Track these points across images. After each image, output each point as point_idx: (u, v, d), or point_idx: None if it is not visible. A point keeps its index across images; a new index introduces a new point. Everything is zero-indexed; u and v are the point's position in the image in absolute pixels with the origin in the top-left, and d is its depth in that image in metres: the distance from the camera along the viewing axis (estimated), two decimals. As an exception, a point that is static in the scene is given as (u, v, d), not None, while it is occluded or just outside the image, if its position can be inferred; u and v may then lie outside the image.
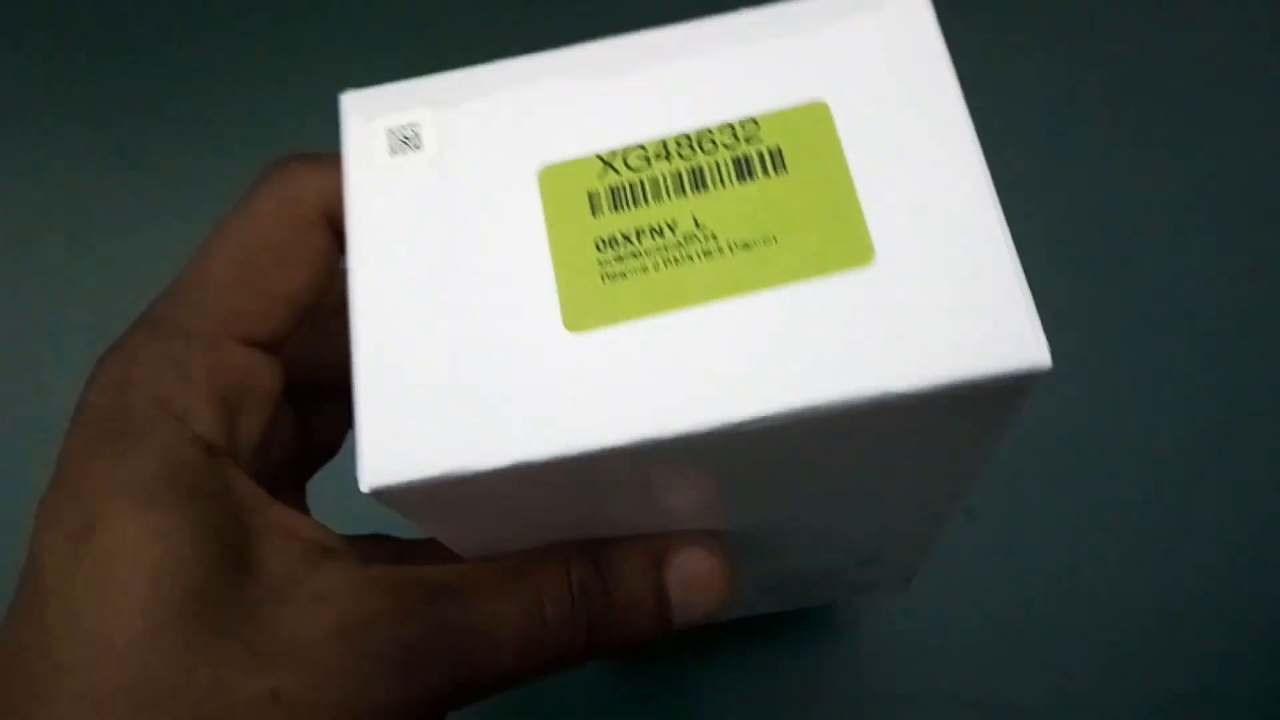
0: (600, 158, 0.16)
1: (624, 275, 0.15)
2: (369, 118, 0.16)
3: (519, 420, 0.14)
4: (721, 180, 0.15)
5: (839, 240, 0.15)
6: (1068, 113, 0.39)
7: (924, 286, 0.14)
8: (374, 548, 0.20)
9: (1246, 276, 0.37)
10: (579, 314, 0.15)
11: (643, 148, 0.16)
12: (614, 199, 0.15)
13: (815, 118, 0.15)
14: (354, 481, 0.14)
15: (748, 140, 0.15)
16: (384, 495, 0.14)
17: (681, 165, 0.15)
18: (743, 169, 0.15)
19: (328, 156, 0.18)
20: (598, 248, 0.15)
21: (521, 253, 0.15)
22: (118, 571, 0.15)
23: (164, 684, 0.15)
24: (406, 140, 0.16)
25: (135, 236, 0.38)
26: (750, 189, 0.15)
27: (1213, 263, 0.37)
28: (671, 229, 0.15)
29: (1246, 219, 0.38)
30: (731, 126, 0.16)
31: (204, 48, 0.40)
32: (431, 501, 0.15)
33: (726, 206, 0.15)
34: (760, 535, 0.19)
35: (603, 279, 0.15)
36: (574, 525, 0.17)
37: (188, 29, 0.40)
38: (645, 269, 0.15)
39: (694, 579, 0.18)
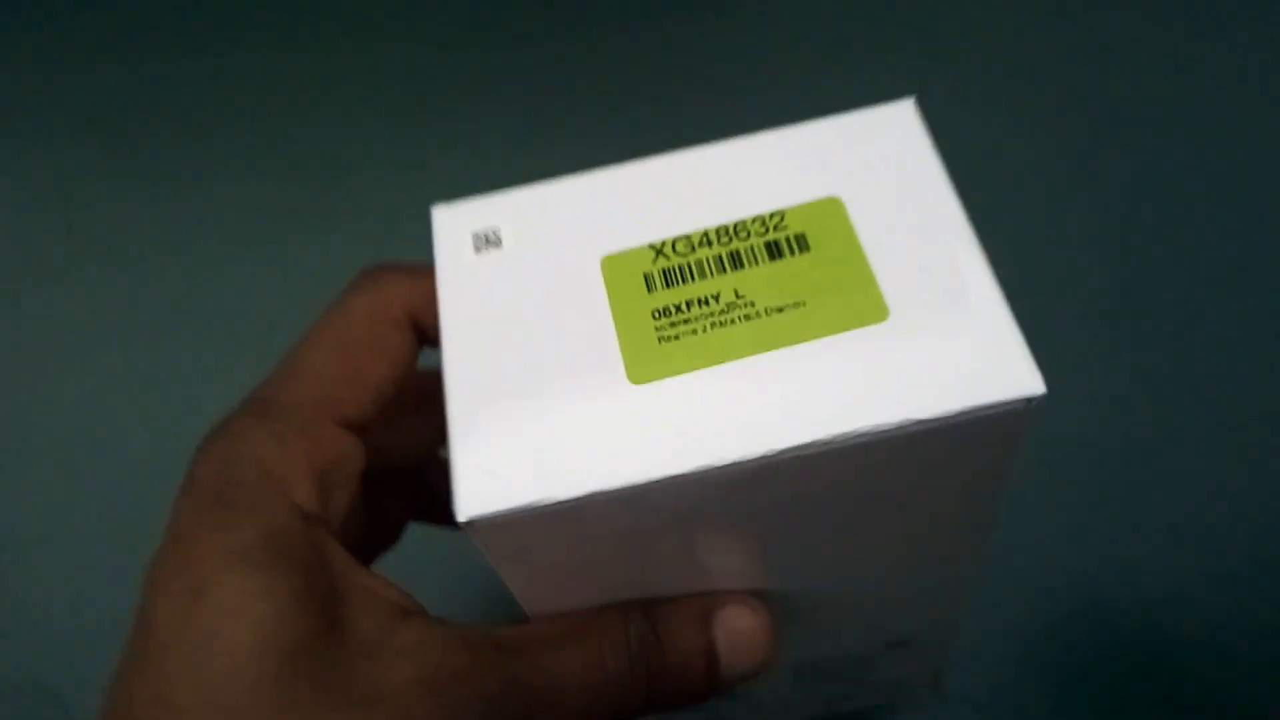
0: (652, 246, 0.19)
1: (677, 338, 0.18)
2: (457, 223, 0.20)
3: (592, 458, 0.16)
4: (755, 260, 0.18)
5: (858, 303, 0.17)
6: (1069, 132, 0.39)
7: (933, 336, 0.17)
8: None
9: (1249, 279, 0.37)
10: (641, 370, 0.17)
11: (688, 237, 0.19)
12: (666, 278, 0.18)
13: (831, 209, 0.19)
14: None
15: (776, 228, 0.19)
16: (476, 525, 0.16)
17: (721, 250, 0.19)
18: (773, 250, 0.18)
19: (412, 266, 0.21)
20: (654, 316, 0.18)
21: (589, 324, 0.18)
22: (227, 626, 0.17)
23: None
24: (488, 240, 0.19)
25: (135, 236, 0.38)
26: (780, 266, 0.18)
27: (1215, 264, 0.37)
28: (715, 299, 0.18)
29: (1245, 219, 0.38)
30: (762, 218, 0.19)
31: (204, 49, 0.40)
32: (515, 536, 0.17)
33: (761, 280, 0.18)
34: (796, 605, 0.21)
35: (659, 341, 0.18)
36: (631, 581, 0.19)
37: (189, 31, 0.40)
38: (695, 332, 0.18)
39: (739, 635, 0.20)
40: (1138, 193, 0.39)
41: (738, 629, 0.20)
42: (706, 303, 0.18)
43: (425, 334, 0.21)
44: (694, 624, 0.20)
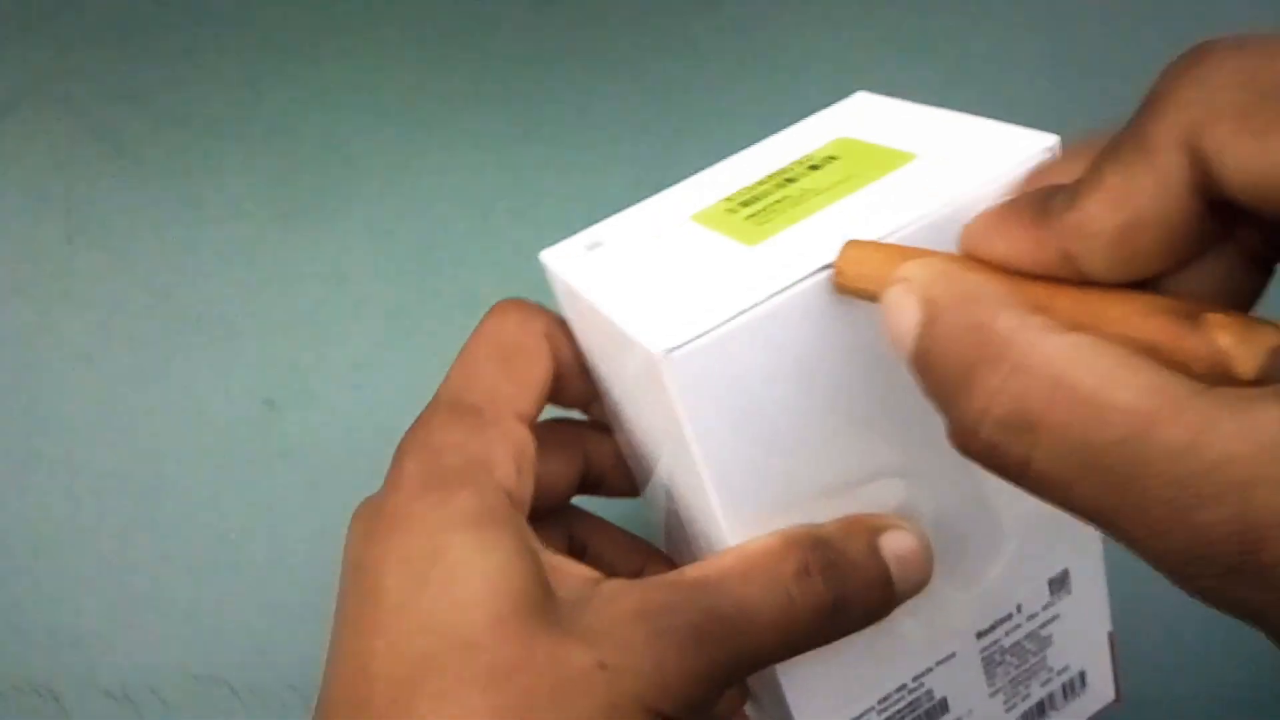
0: (726, 198, 0.24)
1: (769, 219, 0.22)
2: (562, 250, 0.24)
3: (743, 287, 0.20)
4: (804, 175, 0.23)
5: (891, 159, 0.22)
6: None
7: (954, 155, 0.21)
8: None
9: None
10: (748, 236, 0.21)
11: (748, 186, 0.24)
12: (744, 204, 0.23)
13: (848, 142, 0.24)
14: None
15: (810, 160, 0.24)
16: (674, 357, 0.19)
17: (777, 179, 0.24)
18: (814, 168, 0.24)
19: (537, 310, 0.25)
20: (745, 218, 0.22)
21: (700, 242, 0.22)
22: (460, 578, 0.20)
23: (512, 661, 0.19)
24: (595, 245, 0.24)
25: (135, 236, 0.38)
26: (823, 172, 0.23)
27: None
28: (785, 197, 0.23)
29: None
30: (797, 161, 0.24)
31: (205, 47, 0.40)
32: (704, 368, 0.20)
33: (813, 181, 0.23)
34: (948, 528, 0.23)
35: (756, 224, 0.22)
36: (804, 470, 0.22)
37: (188, 28, 0.40)
38: (779, 212, 0.22)
39: (905, 554, 0.22)
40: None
41: (903, 549, 0.22)
42: (779, 200, 0.22)
43: (555, 352, 0.24)
44: (866, 550, 0.22)
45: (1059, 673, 0.28)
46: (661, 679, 0.20)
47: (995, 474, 0.16)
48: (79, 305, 0.37)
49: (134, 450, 0.36)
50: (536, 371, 0.24)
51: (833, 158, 0.23)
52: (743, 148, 0.27)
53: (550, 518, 0.27)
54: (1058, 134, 0.21)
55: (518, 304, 0.24)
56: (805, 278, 0.20)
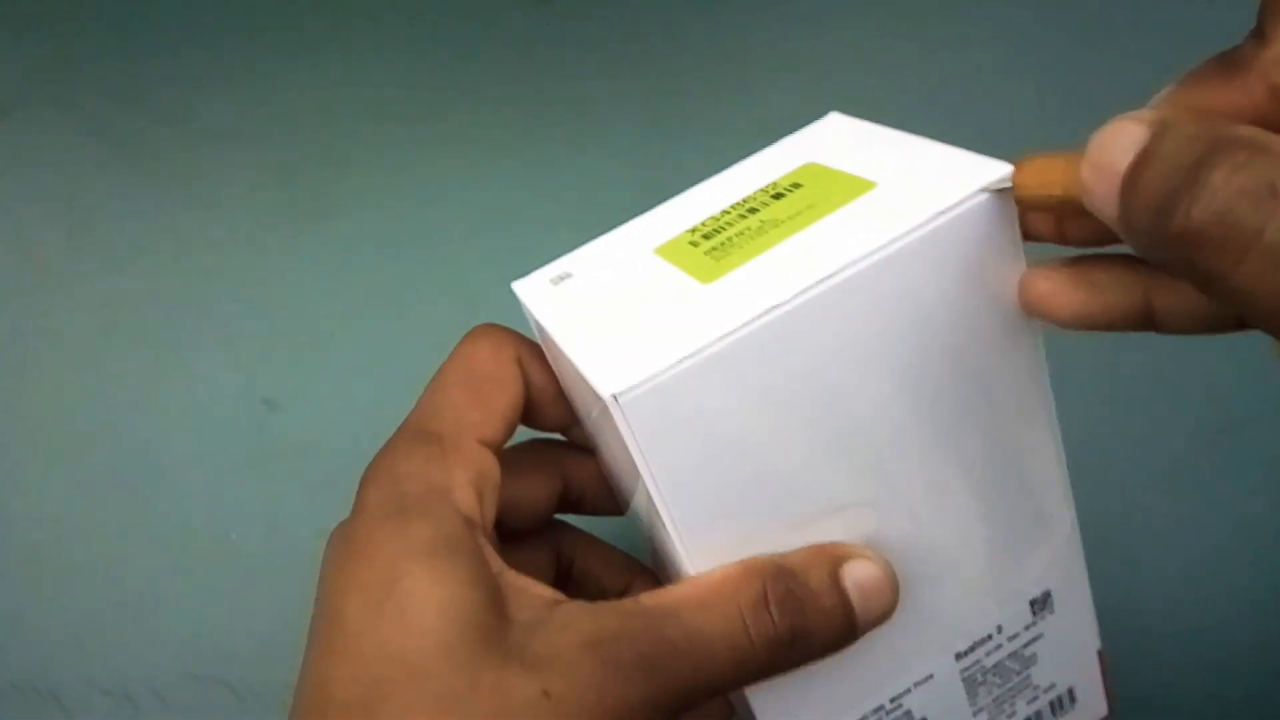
0: (689, 230, 0.24)
1: (726, 253, 0.22)
2: (533, 281, 0.25)
3: (694, 326, 0.20)
4: (767, 204, 0.24)
5: (851, 187, 0.23)
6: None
7: (912, 185, 0.22)
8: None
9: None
10: (704, 274, 0.22)
11: (713, 216, 0.24)
12: (705, 235, 0.23)
13: (812, 168, 0.25)
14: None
15: (774, 188, 0.24)
16: (621, 400, 0.20)
17: (740, 209, 0.24)
18: (778, 195, 0.24)
19: (510, 336, 0.25)
20: (704, 253, 0.23)
21: (659, 275, 0.23)
22: (414, 607, 0.20)
23: (459, 689, 0.20)
24: (562, 278, 0.24)
25: (135, 236, 0.38)
26: (786, 201, 0.23)
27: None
28: (746, 229, 0.23)
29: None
30: (762, 189, 0.25)
31: (205, 47, 0.40)
32: (656, 409, 0.20)
33: (775, 210, 0.23)
34: (917, 550, 0.24)
35: (714, 259, 0.22)
36: (763, 502, 0.22)
37: (188, 28, 0.40)
38: (737, 246, 0.22)
39: (867, 583, 0.22)
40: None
41: (865, 577, 0.22)
42: (740, 233, 0.23)
43: (528, 379, 0.25)
44: (826, 580, 0.22)
45: (1045, 690, 0.28)
46: (606, 708, 0.20)
47: (1202, 269, 0.16)
48: (79, 305, 0.37)
49: (134, 450, 0.36)
50: (505, 398, 0.24)
51: (797, 184, 0.24)
52: (741, 151, 0.27)
53: (536, 535, 0.27)
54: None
55: (491, 330, 0.25)
56: (756, 318, 0.20)
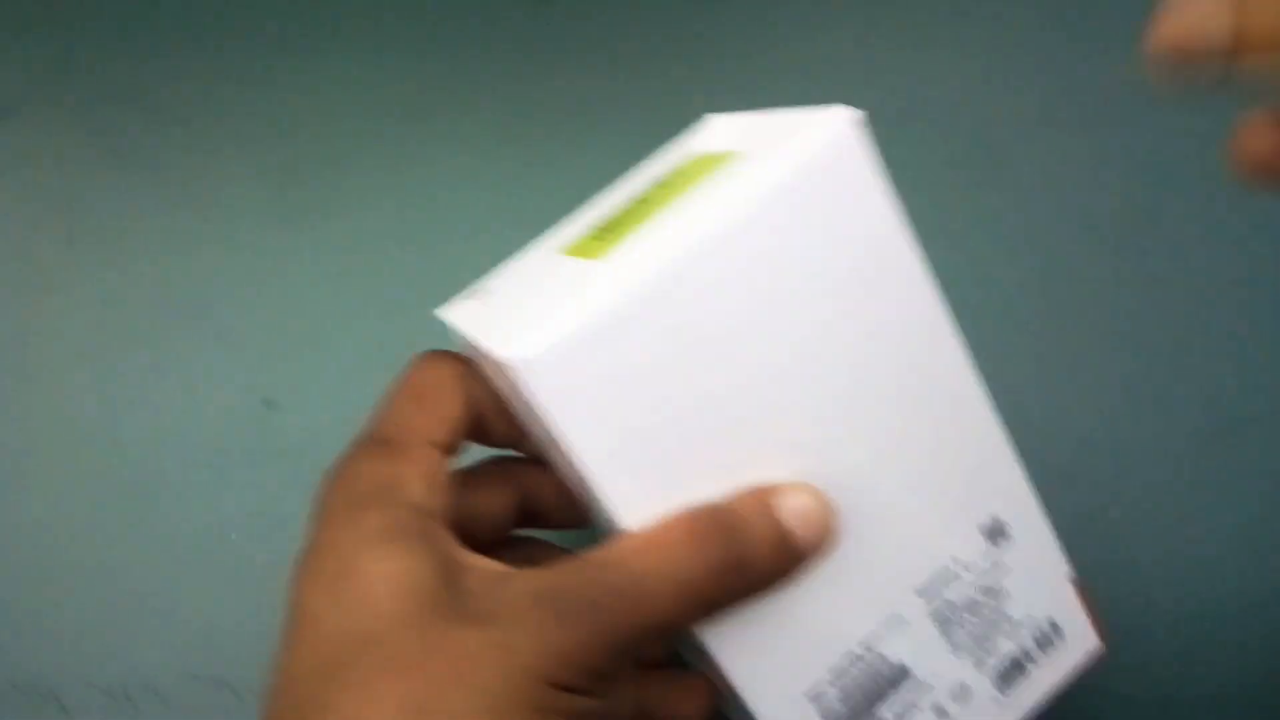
0: (590, 228, 0.26)
1: (614, 234, 0.24)
2: (458, 299, 0.27)
3: (590, 296, 0.22)
4: (653, 192, 0.25)
5: (721, 160, 0.24)
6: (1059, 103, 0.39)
7: (771, 144, 0.24)
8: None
9: (1249, 273, 0.37)
10: (600, 253, 0.24)
11: (609, 215, 0.26)
12: (602, 227, 0.25)
13: (691, 158, 0.26)
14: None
15: (660, 180, 0.26)
16: (529, 364, 0.21)
17: (632, 201, 0.26)
18: (663, 185, 0.26)
19: (451, 355, 0.26)
20: (597, 239, 0.25)
21: (562, 265, 0.25)
22: (368, 588, 0.22)
23: (414, 650, 0.21)
24: (480, 293, 0.27)
25: (135, 236, 0.38)
26: (666, 185, 0.25)
27: (1216, 263, 0.37)
28: (634, 214, 0.24)
29: (1243, 218, 0.38)
30: (650, 183, 0.26)
31: (204, 47, 0.40)
32: (562, 374, 0.22)
33: (658, 193, 0.25)
34: (856, 486, 0.25)
35: (602, 242, 0.24)
36: (693, 457, 0.23)
37: (188, 28, 0.40)
38: (625, 226, 0.24)
39: (803, 511, 0.24)
40: (1140, 190, 0.39)
41: (798, 506, 0.24)
42: (628, 215, 0.25)
43: (470, 392, 0.26)
44: (761, 512, 0.23)
45: (1024, 624, 0.28)
46: (556, 651, 0.21)
47: None
48: (79, 305, 0.37)
49: (133, 450, 0.36)
50: (448, 404, 0.25)
51: (680, 172, 0.26)
52: None
53: (506, 549, 0.27)
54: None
55: (433, 352, 0.26)
56: (638, 276, 0.22)
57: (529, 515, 0.28)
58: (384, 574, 0.22)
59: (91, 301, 0.37)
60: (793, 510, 0.24)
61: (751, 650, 0.25)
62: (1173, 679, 0.35)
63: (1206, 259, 0.37)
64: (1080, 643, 0.29)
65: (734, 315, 0.23)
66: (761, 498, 0.24)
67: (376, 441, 0.25)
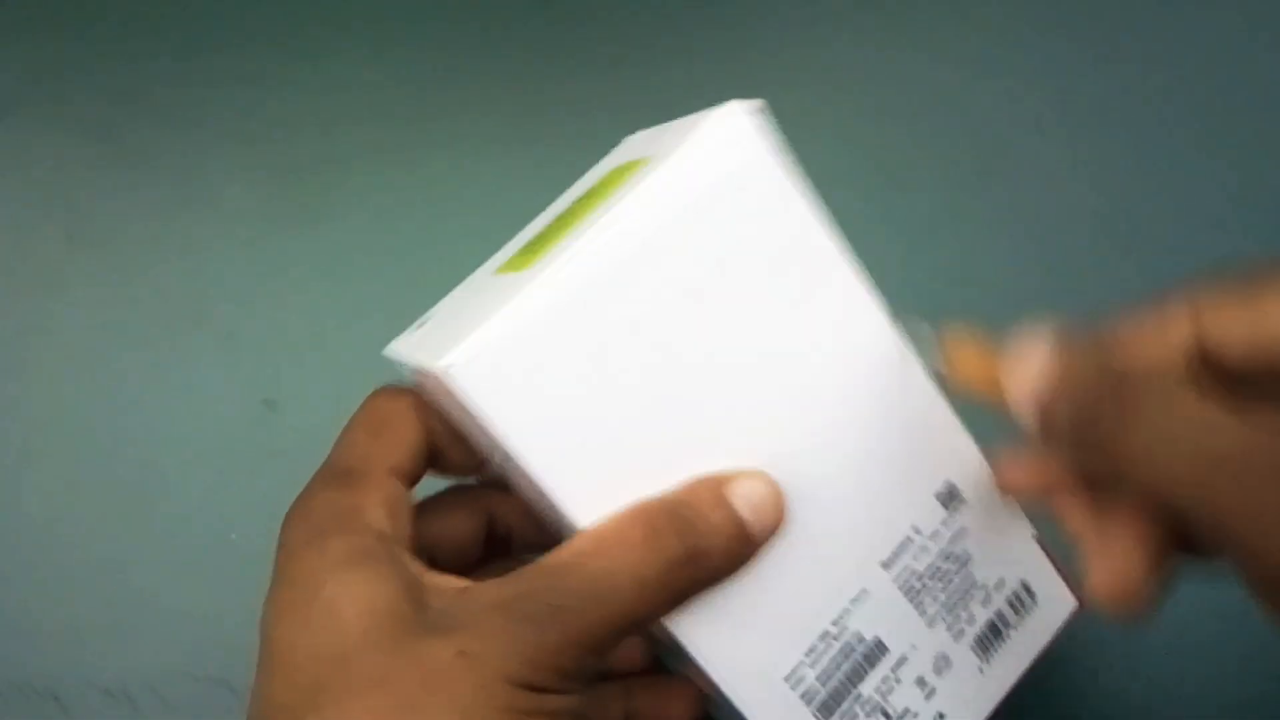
0: (521, 246, 0.27)
1: (540, 248, 0.25)
2: (403, 334, 0.27)
3: (513, 299, 0.23)
4: (577, 207, 0.26)
5: (635, 167, 0.25)
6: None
7: (676, 144, 0.24)
8: None
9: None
10: (524, 265, 0.25)
11: (538, 232, 0.27)
12: (531, 244, 0.26)
13: (610, 171, 0.27)
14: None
15: (583, 196, 0.27)
16: (457, 369, 0.22)
17: (559, 217, 0.27)
18: (584, 199, 0.26)
19: (405, 388, 0.27)
20: (523, 254, 0.26)
21: (494, 283, 0.26)
22: (334, 612, 0.22)
23: (382, 667, 0.21)
24: (422, 323, 0.27)
25: (135, 236, 0.38)
26: (588, 198, 0.26)
27: (1216, 263, 0.37)
28: (558, 232, 0.25)
29: (1243, 216, 0.38)
30: (575, 200, 0.27)
31: (204, 48, 0.40)
32: (489, 378, 0.22)
33: (580, 206, 0.26)
34: (802, 465, 0.25)
35: (530, 254, 0.25)
36: (636, 448, 0.24)
37: (188, 28, 0.40)
38: (550, 239, 0.25)
39: (755, 498, 0.24)
40: (1140, 191, 0.39)
41: (749, 491, 0.24)
42: (553, 229, 0.26)
43: (426, 422, 0.26)
44: (712, 501, 0.24)
45: (995, 588, 0.28)
46: (522, 655, 0.21)
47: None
48: (79, 305, 0.37)
49: (134, 450, 0.36)
50: (404, 434, 0.26)
51: (598, 185, 0.26)
52: None
53: (470, 575, 0.27)
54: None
55: (387, 386, 0.27)
56: (555, 277, 0.23)
57: (496, 539, 0.28)
58: (350, 597, 0.22)
59: (91, 301, 0.37)
60: (745, 497, 0.24)
61: (725, 641, 0.25)
62: (1172, 680, 0.35)
63: (1206, 259, 0.37)
64: (1056, 604, 0.29)
65: (656, 309, 0.23)
66: (713, 487, 0.24)
67: (336, 473, 0.25)
